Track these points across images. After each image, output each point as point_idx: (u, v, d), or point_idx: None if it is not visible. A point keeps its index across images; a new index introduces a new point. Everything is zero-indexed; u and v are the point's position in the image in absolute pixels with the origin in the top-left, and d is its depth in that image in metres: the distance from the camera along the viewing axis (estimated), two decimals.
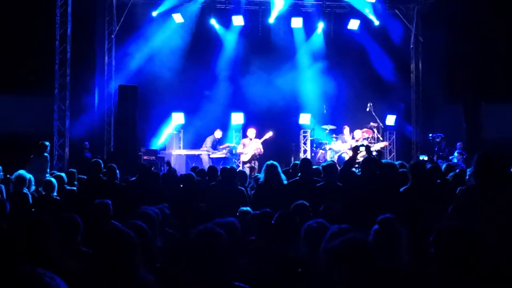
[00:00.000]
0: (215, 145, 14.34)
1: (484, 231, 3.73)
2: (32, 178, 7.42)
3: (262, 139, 13.49)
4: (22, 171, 7.31)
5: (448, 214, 4.20)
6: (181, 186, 7.56)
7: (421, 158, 13.91)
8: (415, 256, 3.49)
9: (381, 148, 14.18)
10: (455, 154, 12.98)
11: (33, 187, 7.48)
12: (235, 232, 3.66)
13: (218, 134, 14.46)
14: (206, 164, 13.56)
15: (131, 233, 3.02)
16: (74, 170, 8.92)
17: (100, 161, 7.49)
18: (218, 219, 3.48)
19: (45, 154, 10.04)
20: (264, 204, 5.15)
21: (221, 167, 8.42)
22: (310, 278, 3.24)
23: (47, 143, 10.22)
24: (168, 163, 8.75)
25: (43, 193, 7.15)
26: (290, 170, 8.16)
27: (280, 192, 6.21)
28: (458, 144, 13.47)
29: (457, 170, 7.03)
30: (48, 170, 9.82)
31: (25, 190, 7.08)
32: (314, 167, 7.31)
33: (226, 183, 7.00)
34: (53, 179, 7.18)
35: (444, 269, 2.72)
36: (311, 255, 3.43)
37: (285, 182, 6.65)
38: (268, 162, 6.70)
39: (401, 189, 5.45)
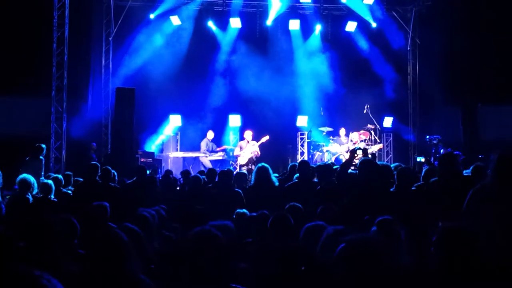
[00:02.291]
0: (211, 147, 14.36)
1: (498, 229, 3.82)
2: (35, 182, 7.39)
3: (259, 142, 13.52)
4: (26, 175, 7.28)
5: (462, 210, 4.30)
6: (182, 188, 7.58)
7: (418, 160, 13.94)
8: (416, 256, 3.51)
9: (378, 150, 14.20)
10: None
11: (35, 190, 7.46)
12: (229, 235, 3.66)
13: (210, 135, 14.50)
14: (208, 166, 13.52)
15: (124, 235, 3.02)
16: (70, 173, 8.91)
17: (98, 164, 7.49)
18: (212, 221, 3.49)
19: (41, 157, 10.04)
20: (253, 206, 5.17)
21: (218, 169, 8.43)
22: (308, 278, 3.25)
23: (43, 145, 10.22)
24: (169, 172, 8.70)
25: (40, 195, 7.13)
26: (287, 173, 8.16)
27: (270, 195, 6.23)
28: (439, 145, 13.56)
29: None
30: (43, 173, 9.81)
31: (28, 195, 7.04)
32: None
33: (223, 185, 7.00)
34: (50, 181, 7.17)
35: (445, 269, 2.72)
36: (310, 256, 3.43)
37: (277, 184, 6.68)
38: (259, 165, 6.72)
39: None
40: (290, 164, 8.82)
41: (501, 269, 2.83)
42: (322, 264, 2.83)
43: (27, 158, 9.91)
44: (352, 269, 2.31)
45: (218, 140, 14.99)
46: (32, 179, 7.25)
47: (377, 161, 12.32)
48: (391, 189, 5.66)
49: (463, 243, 2.70)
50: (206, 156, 14.18)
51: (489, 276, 2.67)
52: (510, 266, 2.98)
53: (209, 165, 13.48)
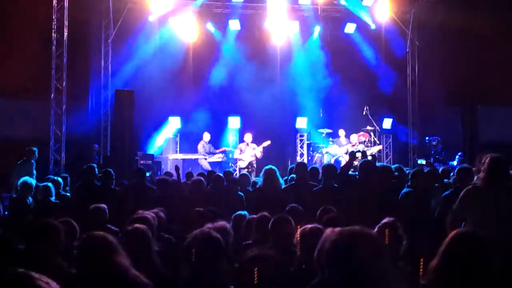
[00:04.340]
0: (208, 149, 14.35)
1: (493, 227, 3.88)
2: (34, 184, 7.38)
3: (260, 146, 13.52)
4: (27, 178, 7.27)
5: (453, 209, 4.38)
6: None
7: (419, 162, 13.93)
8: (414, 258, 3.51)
9: (377, 151, 14.20)
10: (456, 157, 13.03)
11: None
12: (226, 236, 3.65)
13: (206, 137, 14.47)
14: (207, 168, 13.50)
15: (111, 237, 3.02)
16: (67, 175, 8.91)
17: (95, 165, 7.48)
18: (209, 224, 3.47)
19: (32, 160, 10.05)
20: (260, 208, 5.15)
21: (217, 171, 8.41)
22: (306, 281, 3.24)
23: (34, 148, 10.22)
24: (177, 168, 8.63)
25: (40, 198, 7.11)
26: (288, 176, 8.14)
27: (278, 197, 6.20)
28: (439, 146, 13.63)
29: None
30: (35, 175, 9.80)
31: (30, 199, 7.03)
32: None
33: (224, 187, 6.99)
34: (50, 184, 7.16)
35: (452, 273, 2.70)
36: (307, 258, 3.42)
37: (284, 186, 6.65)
38: (267, 167, 6.66)
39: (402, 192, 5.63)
40: (289, 167, 8.79)
41: (504, 270, 2.83)
42: (318, 267, 2.82)
43: (18, 162, 9.93)
44: (338, 263, 2.29)
45: (217, 142, 14.99)
46: (33, 181, 7.24)
47: (377, 162, 12.34)
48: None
49: (474, 248, 2.67)
50: (205, 159, 14.17)
51: (492, 279, 2.65)
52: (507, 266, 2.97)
53: (208, 167, 13.46)
